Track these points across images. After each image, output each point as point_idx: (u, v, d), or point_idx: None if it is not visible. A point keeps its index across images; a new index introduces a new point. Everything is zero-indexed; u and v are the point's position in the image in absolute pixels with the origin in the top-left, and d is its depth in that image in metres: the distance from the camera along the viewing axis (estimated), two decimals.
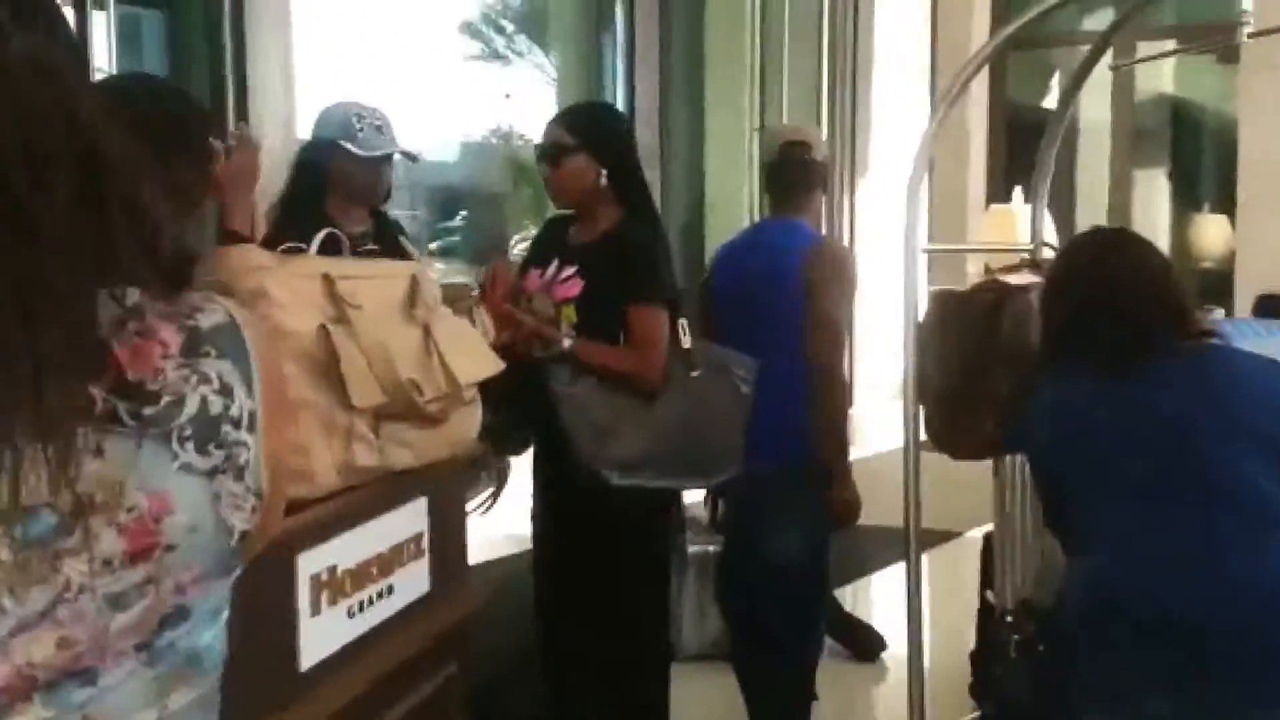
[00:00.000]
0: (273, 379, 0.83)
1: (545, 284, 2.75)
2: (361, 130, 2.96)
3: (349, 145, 2.95)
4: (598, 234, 2.74)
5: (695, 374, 2.66)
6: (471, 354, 1.81)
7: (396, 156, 3.08)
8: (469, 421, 1.80)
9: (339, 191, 3.02)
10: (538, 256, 2.86)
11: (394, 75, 8.97)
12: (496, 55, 11.47)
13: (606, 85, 6.92)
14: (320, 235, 1.92)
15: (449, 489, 1.82)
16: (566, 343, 2.62)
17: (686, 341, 2.67)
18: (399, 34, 8.96)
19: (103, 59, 5.09)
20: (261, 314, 1.46)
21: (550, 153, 2.73)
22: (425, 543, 1.70)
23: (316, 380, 1.49)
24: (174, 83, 2.23)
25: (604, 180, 2.69)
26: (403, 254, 3.15)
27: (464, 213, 10.52)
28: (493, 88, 12.54)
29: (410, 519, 1.67)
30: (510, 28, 11.37)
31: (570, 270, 2.72)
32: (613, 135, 2.76)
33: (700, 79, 7.63)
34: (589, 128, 2.73)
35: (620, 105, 6.61)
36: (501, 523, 2.98)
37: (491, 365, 1.87)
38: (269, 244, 3.04)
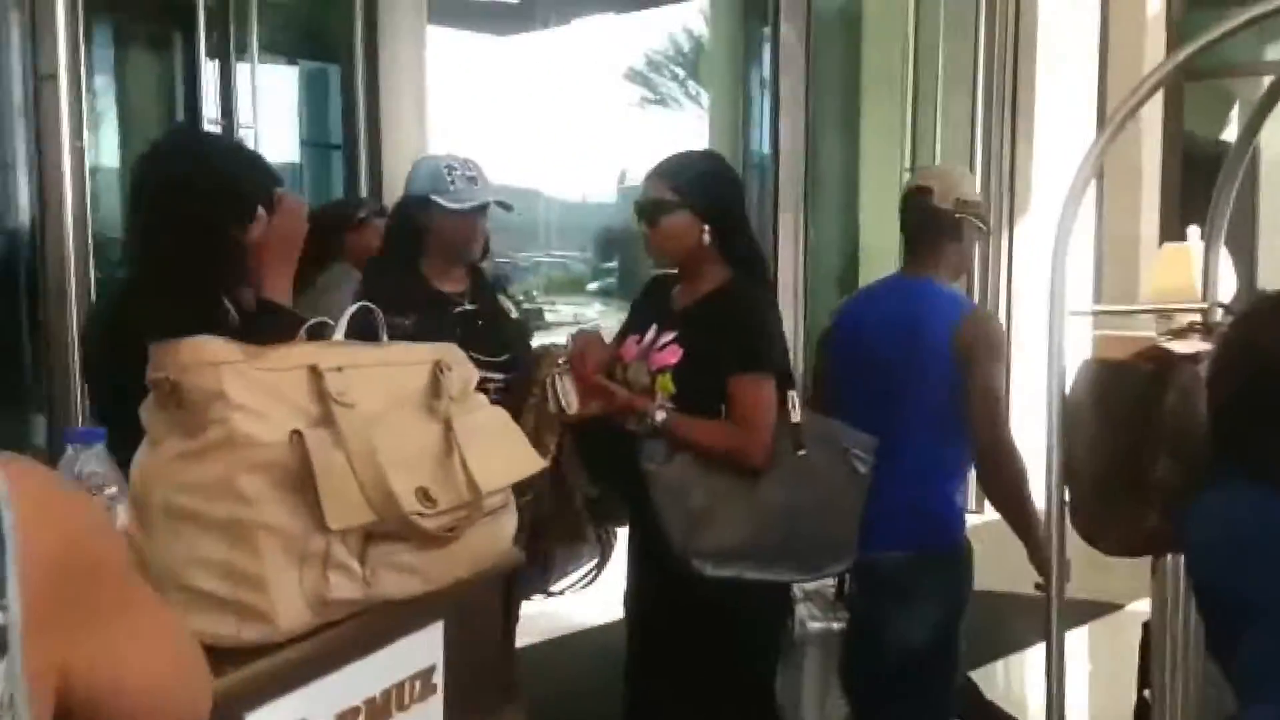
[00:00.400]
0: (53, 569, 0.56)
1: (642, 351, 2.47)
2: (453, 182, 2.74)
3: (440, 199, 2.73)
4: (701, 296, 2.44)
5: (803, 453, 2.32)
6: (504, 453, 1.52)
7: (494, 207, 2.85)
8: (496, 533, 1.51)
9: (434, 249, 2.81)
10: (637, 320, 2.57)
11: (562, 121, 8.97)
12: (663, 100, 11.44)
13: (752, 128, 6.63)
14: (350, 310, 1.67)
15: (478, 605, 1.52)
16: (660, 416, 2.33)
17: (796, 416, 2.34)
18: (567, 81, 8.96)
19: (246, 111, 5.09)
20: (218, 420, 1.20)
21: (648, 210, 2.45)
22: (439, 677, 1.41)
23: (285, 498, 1.22)
24: (237, 142, 2.03)
25: (707, 238, 2.39)
26: (502, 313, 2.91)
27: (618, 255, 10.45)
28: (662, 131, 12.45)
29: (416, 652, 1.38)
30: (681, 73, 11.33)
31: (669, 336, 2.42)
32: (717, 189, 2.46)
33: (853, 120, 7.26)
34: (691, 182, 2.44)
35: (764, 149, 6.31)
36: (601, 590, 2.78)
37: (528, 464, 1.58)
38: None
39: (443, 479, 1.40)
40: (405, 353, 1.50)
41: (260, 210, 1.96)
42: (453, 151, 2.90)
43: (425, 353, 1.51)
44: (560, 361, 2.47)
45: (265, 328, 1.87)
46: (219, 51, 5.13)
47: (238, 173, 2.00)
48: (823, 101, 6.65)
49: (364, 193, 4.48)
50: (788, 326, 6.07)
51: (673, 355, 2.40)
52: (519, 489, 2.75)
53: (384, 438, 1.35)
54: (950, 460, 2.59)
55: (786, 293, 6.08)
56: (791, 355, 5.99)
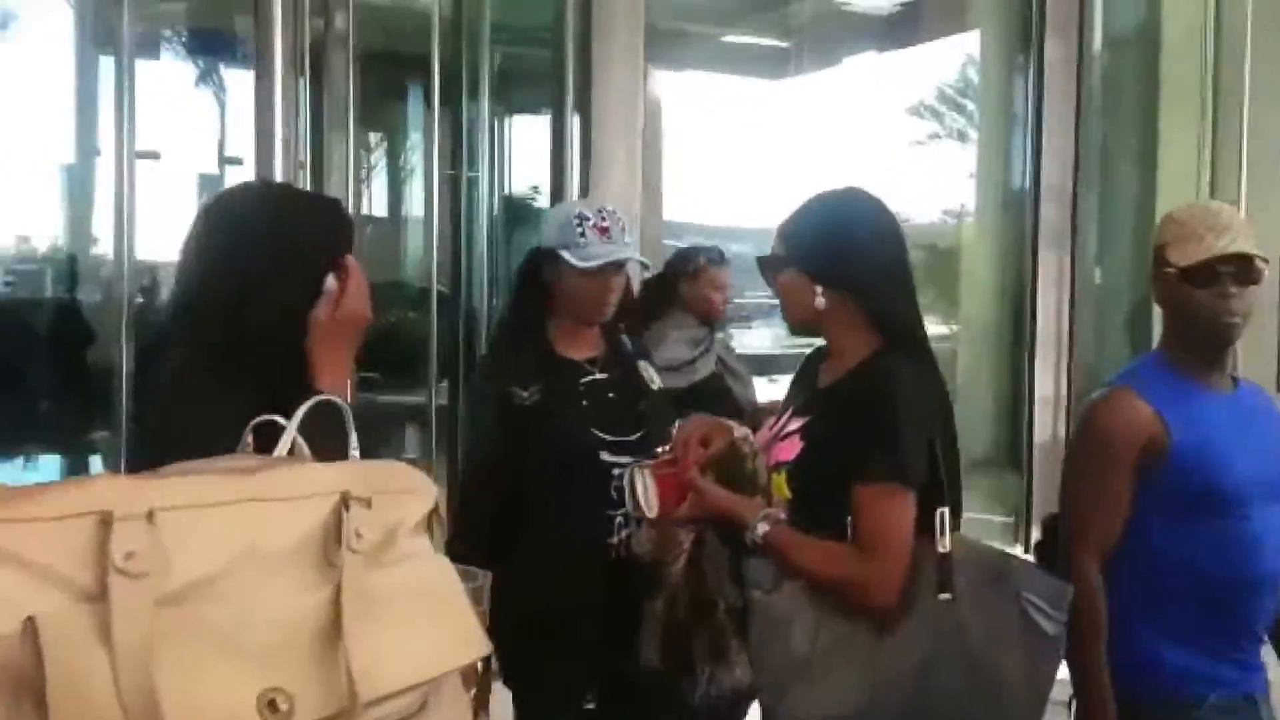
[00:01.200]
0: None
1: (767, 441, 1.97)
2: (582, 234, 2.33)
3: (567, 254, 2.34)
4: (842, 373, 1.91)
5: (947, 596, 1.73)
6: (425, 635, 1.06)
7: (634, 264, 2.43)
8: None
9: (561, 310, 2.42)
10: (788, 399, 2.08)
11: (828, 163, 8.53)
12: (937, 135, 10.74)
13: (1015, 160, 5.88)
14: (308, 404, 1.29)
15: None
16: (761, 529, 1.81)
17: (945, 544, 1.76)
18: (830, 122, 8.52)
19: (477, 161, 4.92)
20: None
21: (761, 266, 1.96)
22: None
23: (11, 710, 0.84)
24: (315, 194, 1.65)
25: (820, 301, 1.86)
26: (640, 384, 2.48)
27: None
28: (934, 169, 11.72)
29: None
30: (949, 108, 10.62)
31: (797, 423, 1.91)
32: (831, 241, 1.91)
33: (1150, 146, 6.34)
34: (799, 232, 1.92)
35: (1025, 182, 5.57)
36: None
37: (460, 652, 1.11)
38: (491, 390, 2.49)
39: (313, 676, 0.98)
40: (299, 480, 1.08)
41: (330, 280, 1.59)
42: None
43: (333, 479, 1.09)
44: (661, 451, 2.01)
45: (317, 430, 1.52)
46: (449, 101, 5.06)
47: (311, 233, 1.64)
48: (1116, 127, 5.83)
49: None
50: (1046, 390, 5.36)
51: (790, 449, 1.87)
52: (649, 590, 2.33)
53: (218, 615, 0.95)
54: None
55: (1046, 347, 5.30)
56: (1048, 427, 5.22)
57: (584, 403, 2.36)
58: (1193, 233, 1.95)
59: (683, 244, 3.95)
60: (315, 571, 1.04)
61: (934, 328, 8.50)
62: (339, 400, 1.31)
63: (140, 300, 5.95)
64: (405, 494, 1.14)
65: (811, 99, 8.22)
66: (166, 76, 6.60)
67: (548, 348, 2.40)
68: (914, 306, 1.91)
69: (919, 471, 1.75)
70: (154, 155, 6.75)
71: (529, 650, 2.38)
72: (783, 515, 1.84)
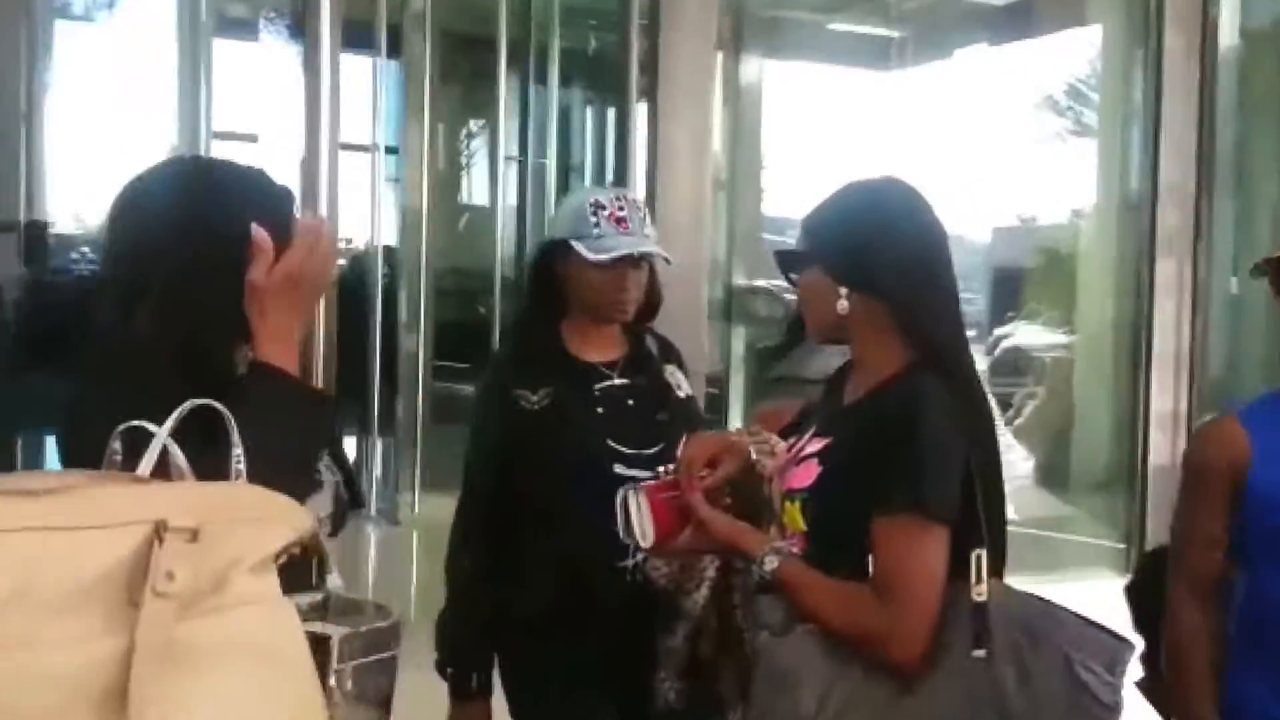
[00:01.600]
0: None
1: (783, 464, 1.71)
2: (597, 225, 2.09)
3: (579, 246, 2.10)
4: (868, 389, 1.64)
5: (981, 653, 1.45)
6: (240, 702, 0.86)
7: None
8: None
9: (576, 307, 2.19)
10: (812, 418, 1.81)
11: (941, 157, 8.20)
12: (1057, 133, 10.27)
13: (1133, 160, 5.44)
14: (180, 410, 1.08)
15: None
16: (770, 563, 1.56)
17: (982, 591, 1.47)
18: (943, 115, 8.19)
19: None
20: None
21: (780, 262, 1.70)
22: None
23: None
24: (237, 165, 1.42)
25: (843, 304, 1.60)
26: (664, 391, 2.23)
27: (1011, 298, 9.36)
28: (1047, 167, 11.21)
29: None
30: (1067, 103, 10.14)
31: (818, 445, 1.64)
32: (856, 237, 1.61)
33: None
34: (824, 225, 1.65)
35: (1142, 183, 5.13)
36: None
37: None
38: (494, 391, 2.28)
39: None
40: (102, 504, 0.87)
41: (262, 237, 1.38)
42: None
43: (150, 504, 0.88)
44: (664, 470, 1.76)
45: (256, 401, 1.33)
46: (518, 85, 4.89)
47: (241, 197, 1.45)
48: (1255, 125, 5.35)
49: None
50: (1163, 407, 4.92)
51: (806, 475, 1.60)
52: (667, 622, 2.08)
53: None
54: None
55: (1164, 361, 4.87)
56: (1167, 448, 4.79)
57: (599, 410, 2.11)
58: None
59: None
60: (112, 618, 0.84)
61: (1053, 337, 8.08)
62: (217, 406, 1.10)
63: None
64: (253, 524, 0.93)
65: (921, 91, 7.87)
66: (262, 59, 6.58)
67: (561, 349, 2.15)
68: (954, 316, 1.61)
69: (950, 505, 1.46)
70: (252, 139, 6.79)
71: (534, 683, 2.16)
72: (795, 549, 1.58)
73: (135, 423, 1.06)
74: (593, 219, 2.08)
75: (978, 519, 1.47)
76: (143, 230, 1.39)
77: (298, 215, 1.48)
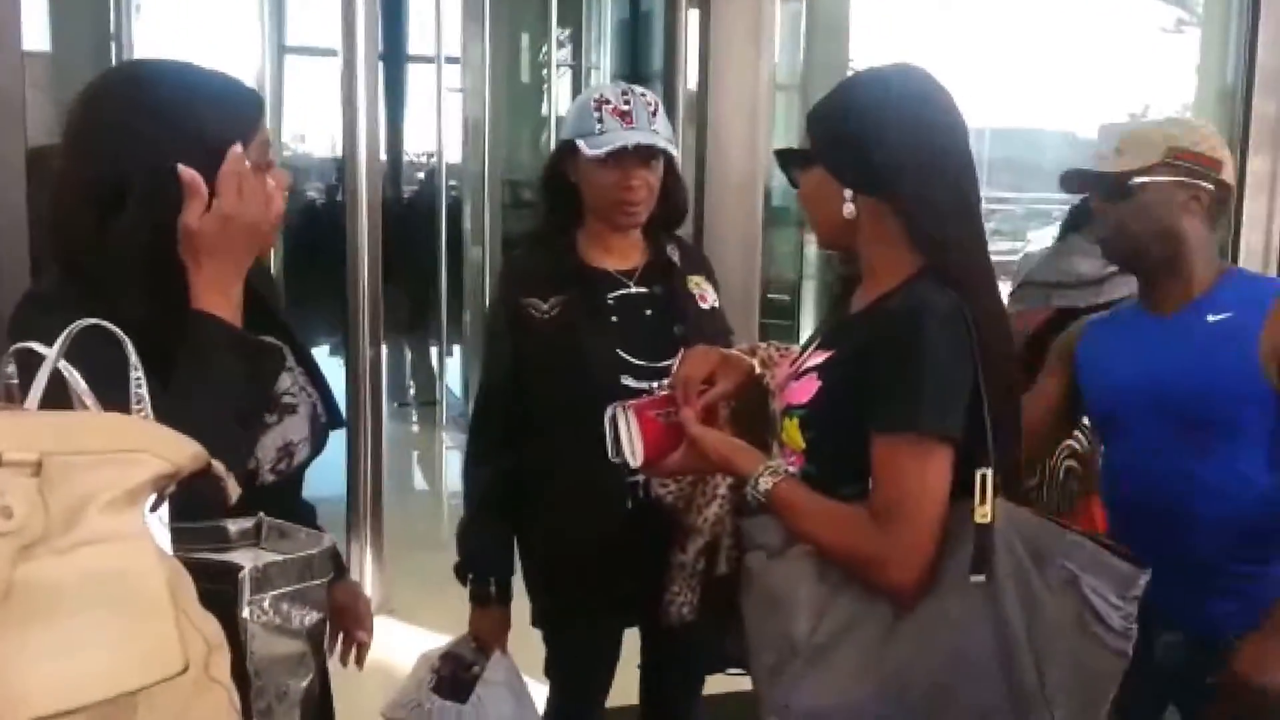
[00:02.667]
0: None
1: (785, 377, 1.58)
2: (600, 120, 1.95)
3: (581, 143, 1.97)
4: (873, 299, 1.50)
5: (980, 578, 1.31)
6: (93, 645, 0.77)
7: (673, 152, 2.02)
8: None
9: (590, 212, 2.06)
10: (817, 331, 1.67)
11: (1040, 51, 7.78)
12: (1166, 25, 9.62)
13: (1231, 50, 5.02)
14: (72, 327, 1.00)
15: None
16: (765, 483, 1.44)
17: (985, 512, 1.33)
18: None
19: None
20: None
21: (781, 161, 1.55)
22: None
23: None
24: (208, 71, 1.31)
25: (848, 208, 1.44)
26: (686, 301, 2.10)
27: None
28: (1153, 60, 10.52)
29: None
30: None
31: (819, 358, 1.51)
32: (860, 132, 1.44)
33: None
34: (826, 121, 1.49)
35: (1237, 74, 4.75)
36: None
37: (147, 668, 0.78)
38: (504, 301, 2.17)
39: None
40: None
41: (193, 177, 1.26)
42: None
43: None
44: (659, 385, 1.64)
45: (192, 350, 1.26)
46: None
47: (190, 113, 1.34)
48: None
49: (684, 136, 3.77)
50: None
51: (806, 390, 1.47)
52: (679, 537, 1.97)
53: None
54: None
55: (1252, 261, 4.55)
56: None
57: (612, 319, 1.99)
58: None
59: None
60: None
61: None
62: (110, 326, 1.01)
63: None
64: (114, 455, 0.84)
65: None
66: None
67: (575, 256, 2.04)
68: (970, 220, 1.43)
69: (952, 422, 1.32)
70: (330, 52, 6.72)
71: (557, 600, 2.10)
72: (793, 468, 1.45)
73: (26, 345, 0.98)
74: (595, 114, 1.95)
75: (985, 437, 1.32)
76: (91, 141, 1.29)
77: (266, 131, 1.37)
